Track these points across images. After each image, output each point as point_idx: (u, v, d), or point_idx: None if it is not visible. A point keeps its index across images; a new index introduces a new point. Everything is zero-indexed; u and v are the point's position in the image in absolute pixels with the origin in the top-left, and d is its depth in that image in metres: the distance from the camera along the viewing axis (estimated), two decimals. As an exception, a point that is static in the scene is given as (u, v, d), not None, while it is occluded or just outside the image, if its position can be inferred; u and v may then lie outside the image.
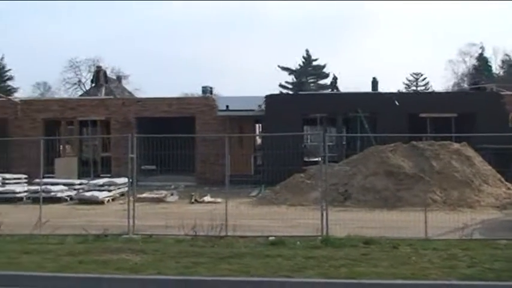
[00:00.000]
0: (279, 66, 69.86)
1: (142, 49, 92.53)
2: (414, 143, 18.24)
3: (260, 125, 26.78)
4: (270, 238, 10.69)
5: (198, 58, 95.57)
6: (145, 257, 9.12)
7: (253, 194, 20.01)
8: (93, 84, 32.89)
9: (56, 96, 54.42)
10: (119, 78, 60.93)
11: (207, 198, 18.09)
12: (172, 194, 19.15)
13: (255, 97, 24.99)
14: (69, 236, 11.05)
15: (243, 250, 9.61)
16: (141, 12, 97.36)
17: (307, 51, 69.34)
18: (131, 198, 11.98)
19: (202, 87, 32.21)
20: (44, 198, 13.97)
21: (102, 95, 30.27)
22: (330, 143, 22.03)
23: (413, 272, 8.13)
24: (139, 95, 51.61)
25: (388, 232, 10.87)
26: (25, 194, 18.68)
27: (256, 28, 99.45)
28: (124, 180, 19.13)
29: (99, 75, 31.48)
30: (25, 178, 20.87)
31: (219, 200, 17.09)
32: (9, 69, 60.33)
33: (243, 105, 24.98)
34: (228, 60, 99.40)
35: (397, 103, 23.04)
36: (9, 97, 32.54)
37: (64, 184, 19.08)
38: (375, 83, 33.31)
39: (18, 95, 49.15)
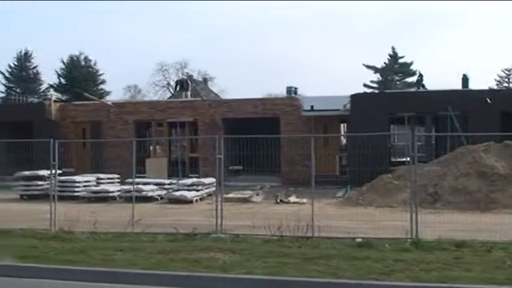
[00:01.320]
0: (363, 64, 68.85)
1: (228, 51, 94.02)
2: (508, 142, 17.45)
3: (345, 124, 26.50)
4: (357, 240, 10.56)
5: (283, 58, 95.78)
6: (234, 256, 9.26)
7: (339, 194, 19.85)
8: (175, 93, 33.79)
9: (146, 99, 56.41)
10: (205, 80, 62.27)
11: (293, 199, 18.12)
12: (257, 194, 19.32)
13: (340, 96, 24.77)
14: (160, 235, 11.40)
15: (330, 251, 9.55)
16: (226, 15, 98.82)
17: (393, 48, 67.77)
18: (219, 198, 12.17)
19: (287, 87, 32.31)
20: (135, 197, 14.50)
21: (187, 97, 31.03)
22: (419, 143, 21.44)
23: (508, 277, 7.79)
24: (224, 96, 52.55)
25: (480, 235, 10.46)
26: (118, 193, 19.44)
27: (340, 27, 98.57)
28: (211, 180, 19.51)
29: (182, 84, 32.30)
30: (118, 178, 21.73)
31: (304, 200, 17.08)
32: (102, 74, 62.92)
33: (328, 105, 24.83)
34: (313, 60, 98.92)
35: (488, 100, 22.11)
36: (103, 100, 33.97)
37: (155, 184, 19.73)
38: (465, 80, 32.03)
39: (111, 98, 51.19)
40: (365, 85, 65.87)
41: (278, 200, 18.06)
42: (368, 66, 68.57)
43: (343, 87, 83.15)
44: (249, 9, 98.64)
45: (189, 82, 32.84)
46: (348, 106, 24.03)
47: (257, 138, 14.69)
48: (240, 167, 22.53)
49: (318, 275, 8.07)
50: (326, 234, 10.93)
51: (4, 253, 9.62)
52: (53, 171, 13.42)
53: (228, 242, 10.55)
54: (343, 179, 22.47)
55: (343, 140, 26.87)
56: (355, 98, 24.24)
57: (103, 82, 62.78)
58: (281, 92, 42.41)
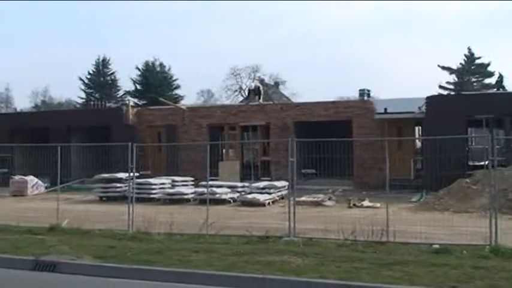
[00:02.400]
0: (439, 65, 67.07)
1: (299, 54, 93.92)
2: None
3: (420, 127, 25.88)
4: (434, 246, 10.30)
5: (355, 61, 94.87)
6: (307, 259, 9.23)
7: (414, 199, 19.39)
8: (247, 98, 34.01)
9: (218, 103, 57.18)
10: (277, 84, 62.45)
11: (366, 203, 17.88)
12: (330, 198, 19.18)
13: (415, 99, 24.22)
14: (234, 237, 11.53)
15: (405, 257, 9.35)
16: (298, 19, 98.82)
17: (469, 49, 65.70)
18: (291, 201, 12.17)
19: (360, 90, 31.91)
20: (209, 199, 14.72)
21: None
22: (498, 146, 20.64)
23: None
24: (296, 99, 52.55)
25: None
26: (192, 195, 19.82)
27: (414, 27, 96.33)
28: (283, 183, 19.58)
29: (254, 92, 32.50)
30: (192, 180, 22.14)
31: (377, 204, 16.82)
32: (176, 79, 64.40)
33: (402, 107, 24.31)
34: (386, 62, 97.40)
35: None
36: (177, 105, 34.72)
37: (227, 186, 19.98)
38: (548, 80, 30.56)
39: (185, 103, 52.27)
40: (440, 86, 64.16)
41: (351, 204, 17.87)
42: (443, 68, 66.75)
43: (418, 89, 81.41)
44: (320, 13, 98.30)
45: (261, 89, 32.95)
46: (423, 108, 23.45)
47: (329, 142, 14.57)
48: (313, 171, 22.41)
49: (393, 281, 7.91)
50: (401, 239, 10.72)
51: (84, 253, 10.02)
52: (131, 173, 13.83)
53: (301, 246, 10.54)
54: (417, 184, 21.95)
55: (418, 143, 26.24)
56: (431, 100, 23.64)
57: (177, 87, 64.29)
58: (353, 94, 41.91)
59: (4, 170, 24.43)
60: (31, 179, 24.17)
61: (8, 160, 26.03)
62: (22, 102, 78.10)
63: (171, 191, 20.60)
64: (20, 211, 17.14)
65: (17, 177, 24.38)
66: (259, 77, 58.24)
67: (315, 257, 9.40)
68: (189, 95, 74.46)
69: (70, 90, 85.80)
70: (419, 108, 23.71)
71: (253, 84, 34.34)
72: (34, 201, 21.22)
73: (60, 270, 9.24)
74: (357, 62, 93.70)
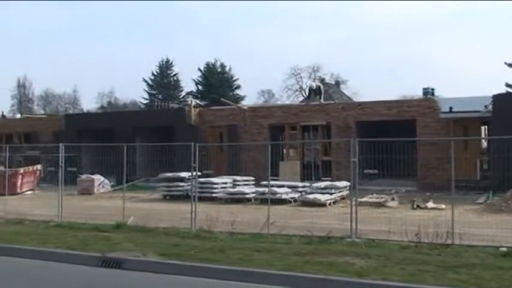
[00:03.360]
0: (505, 63, 64.73)
1: (361, 53, 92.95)
2: None
3: (486, 126, 25.09)
4: (501, 249, 9.97)
5: (418, 59, 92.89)
6: (370, 261, 9.12)
7: (480, 200, 18.82)
8: (308, 98, 33.93)
9: (279, 103, 57.27)
10: (338, 83, 62.01)
11: (430, 204, 17.48)
12: (393, 199, 18.86)
13: (481, 97, 23.45)
14: (295, 237, 11.50)
15: (472, 260, 9.10)
16: (359, 18, 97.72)
17: (539, 45, 63.23)
18: (353, 202, 12.06)
19: (423, 88, 31.19)
20: (270, 199, 14.75)
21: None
22: None
23: None
24: (357, 99, 51.96)
25: None
26: (253, 195, 19.93)
27: (479, 25, 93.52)
28: (344, 183, 19.40)
29: (315, 92, 32.36)
30: (253, 180, 22.27)
31: (442, 206, 16.42)
32: (237, 79, 64.94)
33: (468, 106, 23.60)
34: (450, 60, 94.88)
35: None
36: (238, 105, 34.99)
37: (288, 186, 19.97)
38: None
39: (245, 103, 52.63)
40: (507, 85, 61.84)
41: (415, 205, 17.51)
42: (510, 65, 64.42)
43: (484, 87, 78.84)
44: (383, 11, 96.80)
45: (322, 89, 32.77)
46: (490, 107, 22.71)
47: (392, 142, 14.36)
48: (375, 171, 22.10)
49: (459, 284, 7.71)
50: (467, 242, 10.45)
51: (149, 250, 10.26)
52: (194, 173, 14.05)
53: (363, 247, 10.43)
54: (484, 185, 21.29)
55: (484, 143, 25.44)
56: (498, 98, 22.85)
57: (238, 87, 64.85)
58: (416, 93, 41.09)
59: (72, 169, 25.26)
60: (98, 178, 24.92)
61: (75, 159, 26.92)
62: (89, 104, 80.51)
63: (232, 190, 20.79)
64: (87, 209, 17.70)
65: (84, 176, 25.21)
66: (319, 76, 58.07)
67: (377, 259, 9.27)
68: (250, 95, 74.72)
69: (134, 92, 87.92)
70: (486, 107, 22.97)
71: (314, 84, 34.25)
72: (100, 199, 21.89)
73: (126, 267, 9.49)
74: (421, 60, 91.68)
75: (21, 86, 79.82)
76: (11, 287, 8.65)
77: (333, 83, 60.51)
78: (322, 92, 32.80)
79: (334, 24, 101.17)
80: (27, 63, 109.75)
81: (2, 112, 75.87)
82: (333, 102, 33.41)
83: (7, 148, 20.15)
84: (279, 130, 28.39)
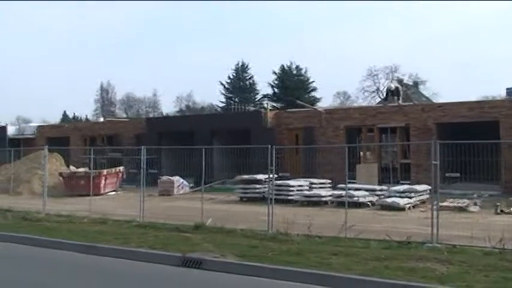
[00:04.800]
0: None
1: (440, 53, 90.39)
2: None
3: None
4: None
5: (500, 58, 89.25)
6: (451, 267, 8.86)
7: None
8: (385, 100, 33.31)
9: (355, 105, 56.59)
10: (416, 84, 60.59)
11: (516, 209, 16.78)
12: (475, 204, 18.22)
13: None
14: (373, 241, 11.33)
15: (561, 268, 8.65)
16: (438, 17, 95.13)
17: None
18: (434, 206, 11.75)
19: (507, 89, 30.08)
20: (347, 202, 14.59)
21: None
22: None
23: None
24: (437, 100, 50.58)
25: None
26: (330, 198, 19.78)
27: None
28: (424, 187, 18.94)
29: (393, 93, 31.73)
30: (329, 183, 22.12)
31: (529, 211, 15.74)
32: (313, 81, 64.68)
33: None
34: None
35: None
36: (314, 107, 34.87)
37: (366, 190, 19.70)
38: None
39: (321, 105, 52.35)
40: None
41: (498, 210, 16.85)
42: None
43: None
44: (463, 10, 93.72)
45: (400, 90, 32.08)
46: None
47: (474, 144, 13.89)
48: (457, 174, 21.44)
49: (548, 293, 7.37)
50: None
51: (228, 251, 10.41)
52: (270, 175, 14.12)
53: (445, 253, 10.12)
54: None
55: None
56: None
57: (314, 89, 64.52)
58: (499, 94, 39.55)
59: (153, 170, 26.01)
60: (177, 180, 25.53)
61: (156, 161, 27.68)
62: (168, 107, 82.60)
63: (308, 193, 20.72)
64: (166, 210, 18.14)
65: (164, 178, 25.89)
66: (397, 77, 56.92)
67: (460, 265, 8.99)
68: (326, 97, 74.36)
69: (212, 95, 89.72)
70: None
71: (392, 85, 33.60)
72: (179, 200, 22.39)
73: (206, 267, 9.68)
74: (503, 59, 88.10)
75: (104, 91, 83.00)
76: (95, 285, 9.00)
77: (411, 83, 59.16)
78: (401, 92, 32.14)
79: (413, 23, 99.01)
80: (110, 68, 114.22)
81: (86, 116, 79.45)
82: (411, 103, 32.61)
83: (91, 150, 21.02)
84: (355, 132, 28.06)
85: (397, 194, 18.98)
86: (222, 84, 69.07)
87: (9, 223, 15.35)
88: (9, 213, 17.02)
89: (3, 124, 46.20)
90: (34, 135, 38.87)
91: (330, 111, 29.11)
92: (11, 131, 40.50)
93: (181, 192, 25.19)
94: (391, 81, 42.04)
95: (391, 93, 31.61)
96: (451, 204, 17.59)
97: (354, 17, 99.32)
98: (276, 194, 16.68)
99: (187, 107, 77.55)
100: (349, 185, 18.08)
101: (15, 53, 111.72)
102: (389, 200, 18.54)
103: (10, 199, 20.41)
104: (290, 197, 20.35)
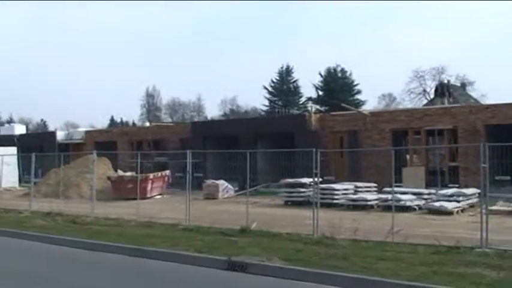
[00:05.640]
0: None
1: (490, 53, 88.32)
2: None
3: None
4: None
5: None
6: (502, 273, 8.63)
7: None
8: (435, 97, 32.73)
9: (401, 107, 55.82)
10: (463, 85, 59.37)
11: None
12: (527, 207, 17.70)
13: None
14: (421, 246, 11.13)
15: None
16: (488, 17, 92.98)
17: None
18: (483, 210, 11.47)
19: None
20: (394, 206, 14.38)
21: (444, 104, 29.90)
22: None
23: None
24: (485, 101, 49.37)
25: None
26: (375, 201, 19.55)
27: None
28: (473, 190, 18.54)
29: (443, 89, 31.17)
30: (375, 186, 21.87)
31: None
32: (357, 84, 64.16)
33: None
34: None
35: None
36: (359, 110, 34.55)
37: (412, 193, 19.38)
38: None
39: (366, 107, 51.89)
40: None
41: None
42: None
43: None
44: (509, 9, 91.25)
45: (447, 91, 31.46)
46: None
47: (525, 146, 13.48)
48: (508, 177, 20.88)
49: None
50: None
51: (273, 255, 10.40)
52: (315, 179, 14.05)
53: (495, 258, 9.86)
54: None
55: None
56: None
57: (358, 92, 64.04)
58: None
59: (199, 174, 26.26)
60: (222, 183, 25.67)
61: (201, 165, 27.92)
62: (212, 111, 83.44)
63: (354, 196, 20.52)
64: (212, 213, 18.27)
65: (209, 181, 26.08)
66: (444, 78, 55.88)
67: (511, 271, 8.75)
68: (370, 100, 73.58)
69: (255, 99, 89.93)
70: None
71: (441, 83, 32.97)
72: (224, 204, 22.52)
73: (251, 271, 9.70)
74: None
75: (150, 96, 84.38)
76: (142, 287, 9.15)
77: (458, 85, 58.01)
78: (448, 94, 31.52)
79: (461, 23, 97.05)
80: (155, 74, 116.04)
81: (133, 120, 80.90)
82: (459, 105, 31.96)
83: (138, 155, 21.37)
84: (401, 135, 27.65)
85: (445, 198, 18.60)
86: (265, 88, 69.31)
87: (59, 226, 15.75)
88: (59, 217, 17.45)
89: (52, 129, 47.52)
90: (82, 140, 39.75)
91: (375, 114, 28.77)
92: (60, 136, 41.53)
93: (226, 196, 25.31)
94: (438, 83, 41.23)
95: (439, 94, 31.02)
96: (501, 208, 17.16)
97: (400, 18, 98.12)
98: (320, 198, 16.58)
99: (232, 110, 78.09)
100: (396, 189, 17.81)
101: (63, 60, 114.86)
102: (437, 203, 18.19)
103: (60, 203, 20.89)
104: (335, 201, 20.20)
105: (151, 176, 25.81)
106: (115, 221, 16.27)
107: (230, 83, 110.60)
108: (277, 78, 69.78)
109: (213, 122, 47.78)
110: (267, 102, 69.17)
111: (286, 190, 22.18)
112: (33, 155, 21.81)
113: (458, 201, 18.28)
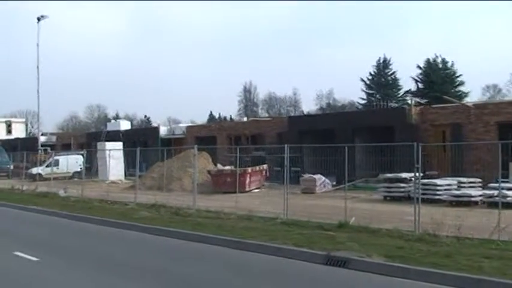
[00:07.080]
0: None
1: None
2: None
3: None
4: None
5: None
6: None
7: None
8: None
9: (507, 98, 53.11)
10: None
11: None
12: None
13: None
14: (530, 244, 10.62)
15: None
16: None
17: None
18: None
19: None
20: (500, 202, 13.74)
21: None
22: None
23: None
24: None
25: None
26: (480, 198, 18.76)
27: None
28: None
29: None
30: (479, 182, 20.96)
31: None
32: (460, 75, 61.63)
33: None
34: None
35: None
36: (462, 102, 33.25)
37: (521, 189, 18.40)
38: None
39: (469, 99, 49.81)
40: None
41: None
42: None
43: None
44: None
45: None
46: None
47: None
48: None
49: None
50: None
51: (373, 251, 10.27)
52: (417, 174, 13.70)
53: None
54: None
55: None
56: None
57: (461, 83, 61.46)
58: None
59: (296, 168, 26.34)
60: (319, 178, 25.61)
61: (298, 159, 27.99)
62: (308, 105, 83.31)
63: (457, 192, 19.78)
64: (309, 207, 18.25)
65: (306, 176, 26.10)
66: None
67: None
68: (474, 91, 70.48)
69: (352, 92, 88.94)
70: None
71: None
72: (322, 198, 22.44)
73: (351, 267, 9.65)
74: None
75: (247, 91, 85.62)
76: (246, 278, 9.34)
77: None
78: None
79: None
80: (252, 69, 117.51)
81: (231, 116, 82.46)
82: None
83: (237, 149, 21.76)
84: (508, 128, 26.31)
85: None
86: (362, 80, 68.22)
87: (163, 218, 16.39)
88: (162, 209, 18.16)
89: (155, 125, 49.39)
90: (184, 135, 41.06)
91: (479, 106, 27.55)
92: (163, 131, 43.13)
93: (323, 190, 25.23)
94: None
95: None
96: None
97: (502, 4, 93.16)
98: (422, 194, 16.10)
99: (328, 104, 77.60)
100: (502, 184, 17.01)
101: (165, 60, 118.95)
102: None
103: (163, 195, 21.72)
104: (437, 197, 19.56)
105: (249, 170, 26.19)
106: (215, 214, 16.68)
107: (326, 77, 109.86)
108: (375, 71, 68.45)
109: (309, 116, 47.73)
110: (364, 96, 68.13)
111: (385, 185, 21.78)
112: (138, 150, 22.74)
113: None
